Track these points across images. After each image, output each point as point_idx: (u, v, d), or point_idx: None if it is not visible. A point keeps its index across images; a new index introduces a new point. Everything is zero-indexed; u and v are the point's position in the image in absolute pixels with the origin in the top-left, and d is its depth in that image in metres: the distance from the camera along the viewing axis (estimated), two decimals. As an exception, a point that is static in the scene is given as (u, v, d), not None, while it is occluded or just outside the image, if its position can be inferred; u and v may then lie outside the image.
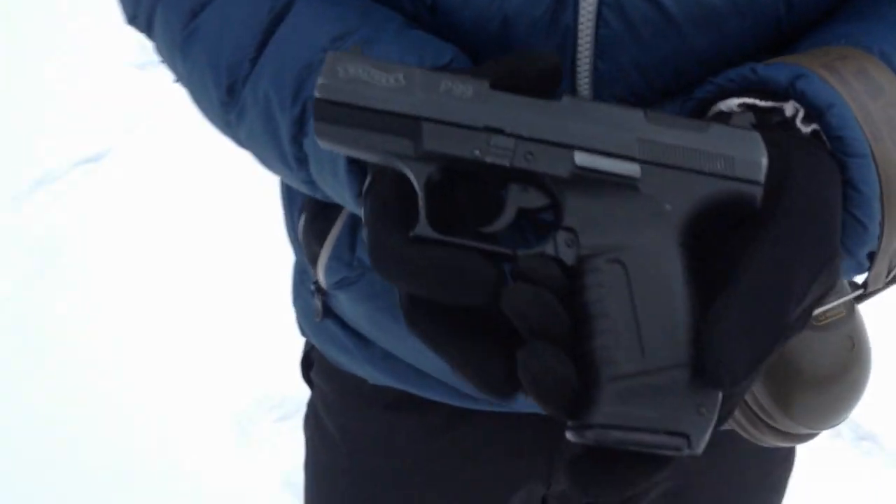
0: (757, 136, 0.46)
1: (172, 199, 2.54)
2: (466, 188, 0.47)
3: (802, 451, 0.88)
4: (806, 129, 0.49)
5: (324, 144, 0.48)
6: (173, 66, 0.63)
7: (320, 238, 0.70)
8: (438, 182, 0.46)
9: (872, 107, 0.48)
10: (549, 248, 0.45)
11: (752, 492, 0.86)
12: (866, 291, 0.55)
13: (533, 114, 0.46)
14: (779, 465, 0.87)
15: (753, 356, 0.41)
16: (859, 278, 0.56)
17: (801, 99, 0.48)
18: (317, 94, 0.46)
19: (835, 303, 0.60)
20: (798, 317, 0.44)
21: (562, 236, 0.45)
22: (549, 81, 0.47)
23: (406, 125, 0.46)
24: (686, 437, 0.43)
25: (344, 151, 0.48)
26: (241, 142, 0.61)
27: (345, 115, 0.46)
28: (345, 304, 0.73)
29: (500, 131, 0.46)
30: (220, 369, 2.07)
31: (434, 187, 0.46)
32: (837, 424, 0.63)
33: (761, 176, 0.46)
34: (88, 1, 3.24)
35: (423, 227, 0.45)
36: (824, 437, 1.82)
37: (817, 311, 0.60)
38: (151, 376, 2.06)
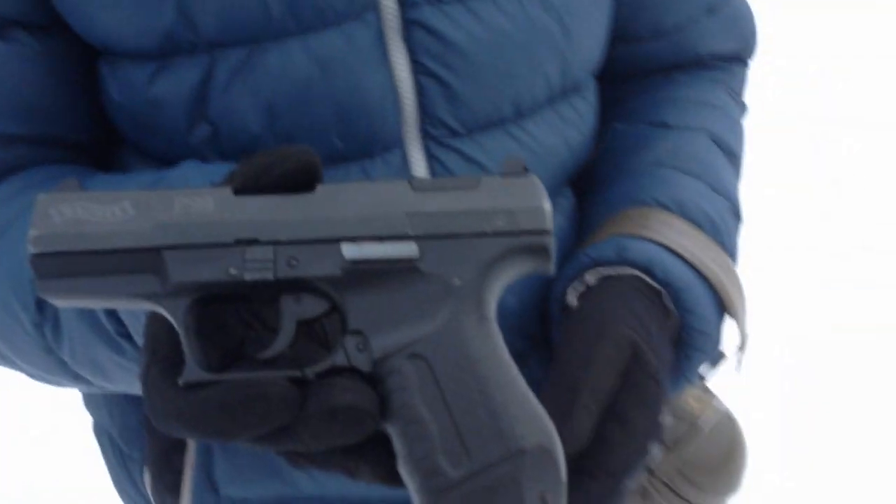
0: (534, 180, 0.43)
1: None
2: (236, 312, 0.42)
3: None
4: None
5: (58, 303, 0.42)
6: None
7: (174, 491, 0.66)
8: (202, 313, 0.41)
9: (688, 243, 0.60)
10: (339, 359, 0.40)
11: None
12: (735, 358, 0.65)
13: (287, 213, 0.40)
14: None
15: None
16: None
17: (633, 265, 0.58)
18: (31, 250, 0.40)
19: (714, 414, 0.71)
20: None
21: (351, 342, 0.40)
22: (305, 177, 0.42)
23: (144, 260, 0.40)
24: None
25: (86, 305, 0.42)
26: (67, 361, 0.55)
27: (71, 266, 0.39)
28: None
29: (253, 241, 0.40)
30: None
31: (199, 319, 0.40)
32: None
33: (546, 223, 0.42)
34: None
35: (191, 371, 0.39)
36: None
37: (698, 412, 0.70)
38: None
